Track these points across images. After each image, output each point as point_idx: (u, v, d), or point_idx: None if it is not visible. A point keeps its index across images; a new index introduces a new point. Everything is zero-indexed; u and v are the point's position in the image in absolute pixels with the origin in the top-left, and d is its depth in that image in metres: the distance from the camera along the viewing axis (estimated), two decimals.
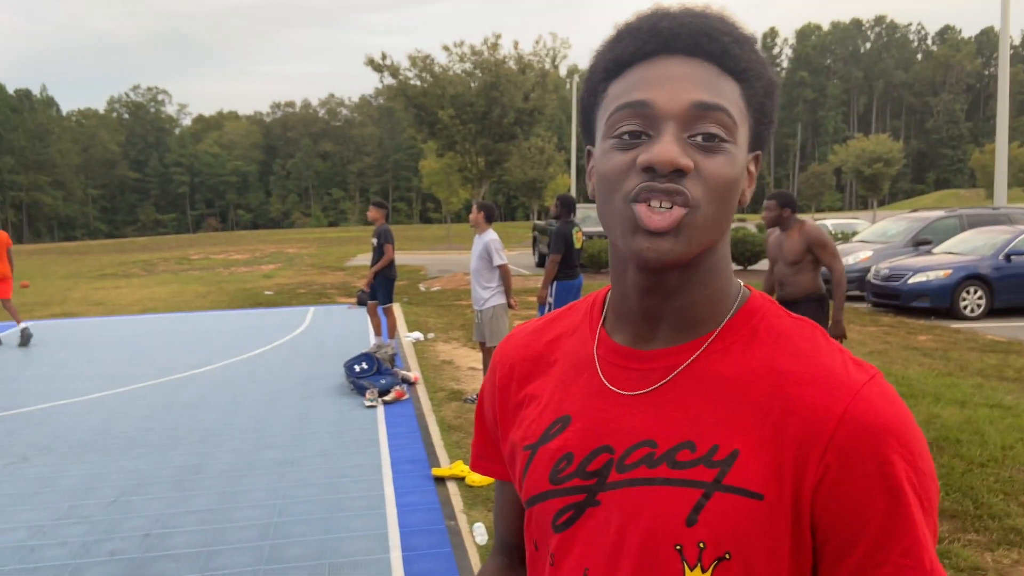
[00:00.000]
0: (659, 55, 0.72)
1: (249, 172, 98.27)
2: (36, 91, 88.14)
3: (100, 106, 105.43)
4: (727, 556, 0.69)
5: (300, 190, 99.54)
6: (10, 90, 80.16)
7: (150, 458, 5.27)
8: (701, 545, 0.70)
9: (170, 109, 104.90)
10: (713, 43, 0.71)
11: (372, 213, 8.44)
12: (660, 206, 0.69)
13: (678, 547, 0.70)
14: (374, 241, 8.39)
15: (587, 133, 0.79)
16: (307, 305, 13.82)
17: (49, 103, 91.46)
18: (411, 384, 7.12)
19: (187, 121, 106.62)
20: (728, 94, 0.71)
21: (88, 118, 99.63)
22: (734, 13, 0.75)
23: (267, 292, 16.22)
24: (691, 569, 0.70)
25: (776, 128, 0.79)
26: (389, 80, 34.07)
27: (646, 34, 0.72)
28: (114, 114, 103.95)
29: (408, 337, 9.56)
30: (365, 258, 23.32)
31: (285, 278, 19.96)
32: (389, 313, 8.49)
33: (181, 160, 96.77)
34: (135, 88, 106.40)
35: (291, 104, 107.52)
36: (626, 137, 0.71)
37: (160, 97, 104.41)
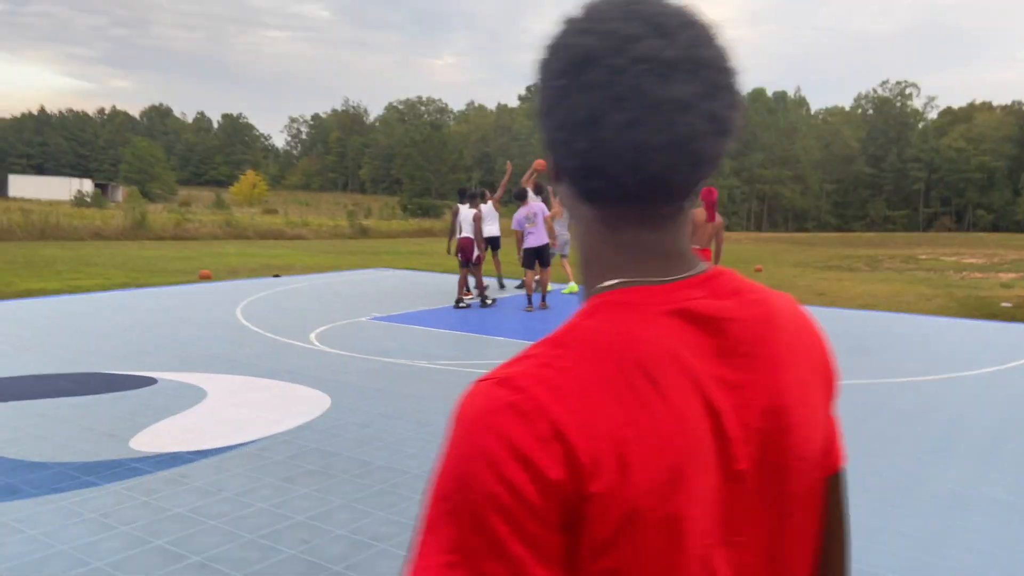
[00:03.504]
0: None
1: (996, 168, 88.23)
2: (791, 92, 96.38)
3: (846, 103, 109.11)
4: None
5: None
6: (769, 93, 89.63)
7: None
8: None
9: (917, 103, 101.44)
10: None
11: None
12: None
13: None
14: None
15: None
16: None
17: (800, 103, 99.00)
18: None
19: (933, 114, 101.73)
20: None
21: (833, 115, 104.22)
22: None
23: (1004, 304, 14.27)
24: None
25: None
26: None
27: None
28: (859, 110, 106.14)
29: None
30: None
31: None
32: None
33: (920, 155, 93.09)
34: (883, 83, 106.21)
35: None
36: None
37: (908, 91, 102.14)
